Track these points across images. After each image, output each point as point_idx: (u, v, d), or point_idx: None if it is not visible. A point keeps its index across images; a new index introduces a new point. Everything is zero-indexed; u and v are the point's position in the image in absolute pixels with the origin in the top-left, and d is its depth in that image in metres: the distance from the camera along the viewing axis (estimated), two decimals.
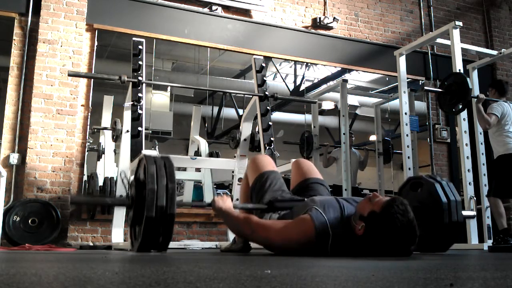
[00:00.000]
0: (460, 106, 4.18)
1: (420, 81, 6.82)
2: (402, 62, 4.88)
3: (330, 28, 6.42)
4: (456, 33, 4.37)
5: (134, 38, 3.93)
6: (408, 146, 4.67)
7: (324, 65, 6.58)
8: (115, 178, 4.61)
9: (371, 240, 1.94)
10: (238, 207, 2.63)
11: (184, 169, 5.34)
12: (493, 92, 4.56)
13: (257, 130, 4.16)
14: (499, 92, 4.52)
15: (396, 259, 1.75)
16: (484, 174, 4.57)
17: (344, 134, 5.70)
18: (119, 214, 3.87)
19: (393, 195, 2.08)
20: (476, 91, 4.75)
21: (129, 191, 2.25)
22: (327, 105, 7.02)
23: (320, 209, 2.04)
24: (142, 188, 2.08)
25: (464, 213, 2.78)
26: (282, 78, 6.88)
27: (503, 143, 4.26)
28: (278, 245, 2.10)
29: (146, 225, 1.98)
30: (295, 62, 6.48)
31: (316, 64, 6.55)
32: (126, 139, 3.71)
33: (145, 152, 3.20)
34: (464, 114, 4.27)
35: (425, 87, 5.67)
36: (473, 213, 3.76)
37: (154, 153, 3.18)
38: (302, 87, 6.52)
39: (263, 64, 4.19)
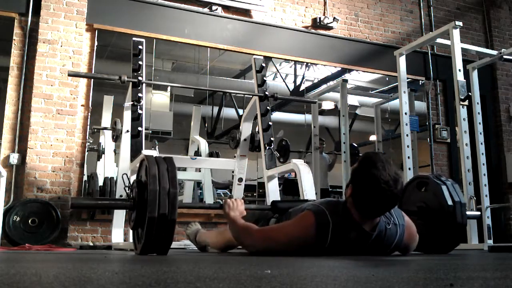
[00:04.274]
0: None
1: (420, 81, 6.82)
2: (402, 62, 4.88)
3: (330, 28, 6.42)
4: (456, 33, 4.37)
5: (134, 38, 3.92)
6: (408, 146, 4.66)
7: (324, 65, 6.58)
8: (115, 178, 4.61)
9: (359, 198, 1.96)
10: None
11: (184, 169, 5.34)
12: None
13: (257, 130, 4.16)
14: None
15: (396, 259, 1.74)
16: (484, 174, 4.56)
17: (344, 134, 5.69)
18: (119, 214, 3.87)
19: None
20: (476, 91, 4.75)
21: (131, 192, 2.24)
22: (327, 105, 7.01)
23: (318, 203, 2.09)
24: (144, 189, 2.08)
25: (469, 213, 2.79)
26: (282, 78, 6.87)
27: None
28: (280, 246, 2.09)
29: (148, 227, 1.98)
30: (295, 62, 6.48)
31: (316, 64, 6.55)
32: (126, 139, 3.71)
33: (145, 152, 3.20)
34: (464, 114, 4.26)
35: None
36: (478, 213, 3.77)
37: (154, 153, 3.18)
38: (302, 87, 6.52)
39: (263, 64, 4.18)
